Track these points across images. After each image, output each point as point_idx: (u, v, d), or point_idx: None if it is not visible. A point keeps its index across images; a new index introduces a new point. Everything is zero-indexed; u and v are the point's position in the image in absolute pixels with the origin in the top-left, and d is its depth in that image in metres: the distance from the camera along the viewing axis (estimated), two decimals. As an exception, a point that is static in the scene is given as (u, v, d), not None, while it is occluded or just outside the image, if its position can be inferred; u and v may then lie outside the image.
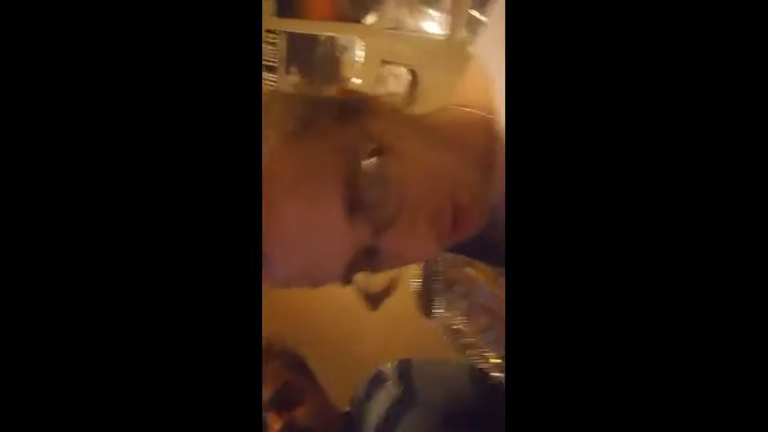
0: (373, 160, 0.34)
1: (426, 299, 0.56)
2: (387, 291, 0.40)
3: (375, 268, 0.38)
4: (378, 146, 0.35)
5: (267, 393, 0.81)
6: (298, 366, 0.92)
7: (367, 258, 0.36)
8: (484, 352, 0.55)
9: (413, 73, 1.38)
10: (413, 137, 0.39)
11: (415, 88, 1.36)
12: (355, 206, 0.34)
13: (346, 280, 0.37)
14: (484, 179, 0.41)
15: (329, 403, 0.90)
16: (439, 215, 0.36)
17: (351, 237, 0.34)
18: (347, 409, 0.91)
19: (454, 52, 1.26)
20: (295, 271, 0.36)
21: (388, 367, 0.89)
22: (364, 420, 0.85)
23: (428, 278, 0.55)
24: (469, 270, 0.52)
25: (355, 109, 0.38)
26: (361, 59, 1.52)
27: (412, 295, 0.59)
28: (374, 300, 0.40)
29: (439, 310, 0.56)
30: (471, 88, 0.46)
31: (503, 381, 0.62)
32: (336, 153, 0.34)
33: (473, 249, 0.49)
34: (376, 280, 0.39)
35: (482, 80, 0.44)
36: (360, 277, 0.38)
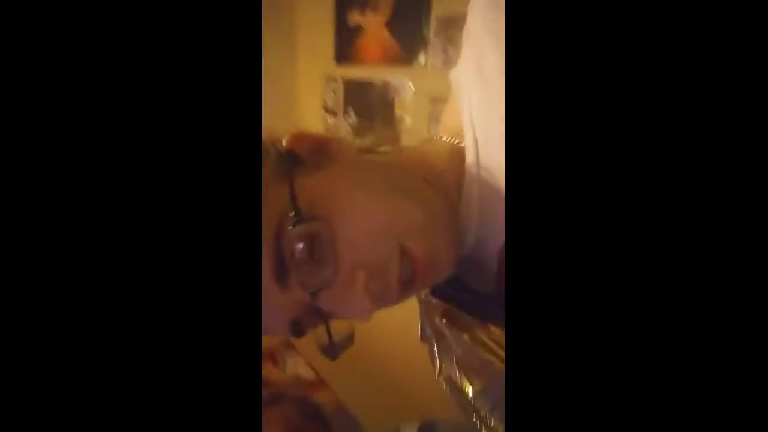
0: (298, 228, 0.34)
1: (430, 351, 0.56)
2: (346, 342, 0.39)
3: (326, 321, 0.37)
4: (305, 212, 0.34)
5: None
6: (312, 414, 0.93)
7: (313, 313, 0.36)
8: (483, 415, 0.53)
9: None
10: (358, 188, 0.37)
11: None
12: (282, 271, 0.34)
13: (298, 333, 0.37)
14: (447, 220, 0.39)
15: None
16: (383, 271, 0.35)
17: (286, 298, 0.34)
18: None
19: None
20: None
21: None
22: None
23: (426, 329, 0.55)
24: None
25: (293, 162, 0.37)
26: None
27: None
28: (331, 352, 0.39)
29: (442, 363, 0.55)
30: (449, 114, 0.45)
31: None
32: (267, 215, 0.34)
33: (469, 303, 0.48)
34: (336, 330, 0.38)
35: (456, 104, 0.42)
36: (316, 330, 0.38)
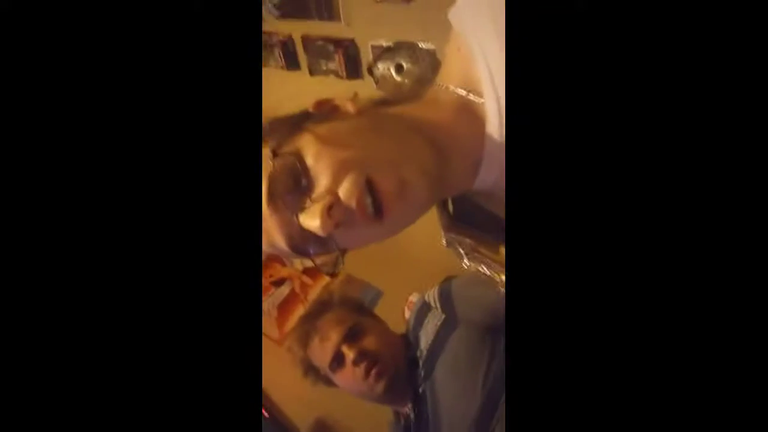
0: (280, 159, 0.42)
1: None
2: (335, 262, 0.48)
3: (323, 244, 0.45)
4: (288, 150, 0.43)
5: (340, 332, 0.97)
6: (359, 308, 1.06)
7: (306, 236, 0.44)
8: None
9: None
10: (341, 128, 0.45)
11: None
12: (272, 196, 0.43)
13: (294, 249, 0.45)
14: (424, 162, 0.45)
15: (389, 330, 1.04)
16: (349, 197, 0.42)
17: (277, 218, 0.43)
18: (403, 332, 1.04)
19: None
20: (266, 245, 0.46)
21: (431, 295, 1.00)
22: (418, 343, 0.98)
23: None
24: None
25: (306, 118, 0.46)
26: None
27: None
28: (329, 271, 0.49)
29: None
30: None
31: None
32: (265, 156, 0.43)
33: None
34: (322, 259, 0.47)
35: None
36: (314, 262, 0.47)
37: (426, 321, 0.99)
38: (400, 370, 0.96)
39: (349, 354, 0.95)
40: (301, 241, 0.44)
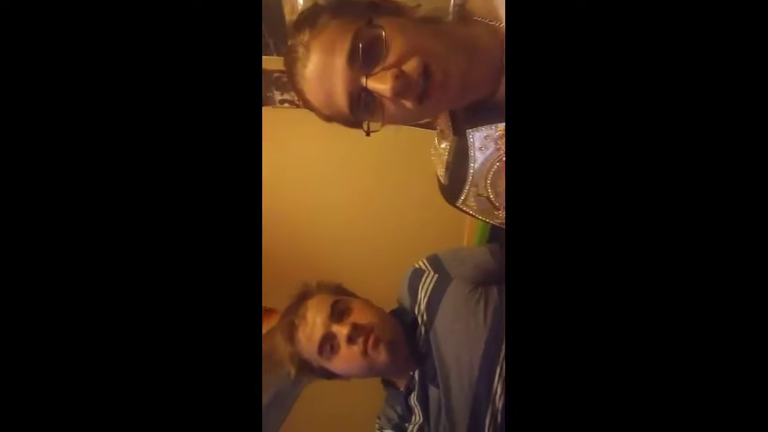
0: (370, 29, 0.54)
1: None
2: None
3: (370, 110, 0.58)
4: (375, 22, 0.55)
5: (325, 313, 0.92)
6: (340, 289, 1.03)
7: (364, 97, 0.56)
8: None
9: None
10: (410, 22, 0.59)
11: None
12: (355, 54, 0.54)
13: (355, 116, 0.58)
14: (462, 64, 0.58)
15: (375, 305, 1.00)
16: (411, 73, 0.54)
17: (350, 76, 0.55)
18: (395, 306, 1.01)
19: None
20: (318, 106, 0.59)
21: (421, 263, 0.98)
22: (414, 305, 0.95)
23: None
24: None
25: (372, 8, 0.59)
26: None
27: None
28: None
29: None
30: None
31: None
32: (347, 24, 0.56)
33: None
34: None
35: None
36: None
37: (420, 284, 0.97)
38: (398, 336, 0.93)
39: (342, 331, 0.89)
40: (358, 102, 0.56)
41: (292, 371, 0.98)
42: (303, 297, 0.99)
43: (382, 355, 0.89)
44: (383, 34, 0.54)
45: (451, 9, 0.67)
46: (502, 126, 0.64)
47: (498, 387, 0.84)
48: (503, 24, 0.61)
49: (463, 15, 0.66)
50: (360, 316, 0.92)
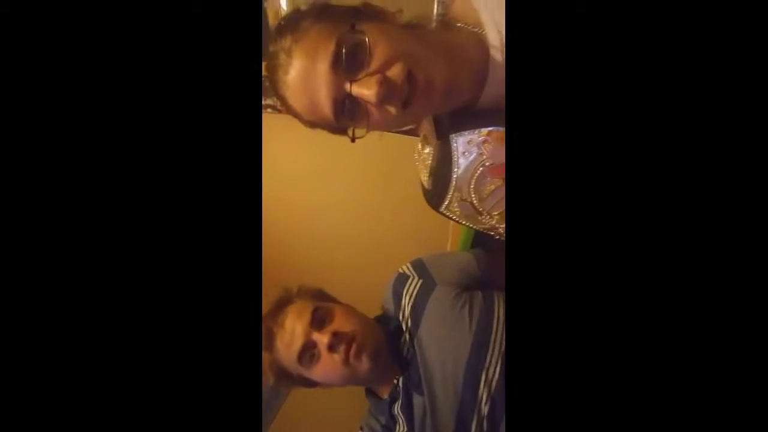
0: (352, 34, 0.54)
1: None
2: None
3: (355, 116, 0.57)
4: (358, 27, 0.54)
5: (305, 320, 0.90)
6: (321, 295, 1.01)
7: (348, 103, 0.55)
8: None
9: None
10: (392, 29, 0.59)
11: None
12: (338, 61, 0.54)
13: (337, 112, 0.56)
14: (445, 68, 0.58)
15: (358, 311, 0.99)
16: (394, 77, 0.55)
17: (334, 81, 0.54)
18: (379, 312, 1.00)
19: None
20: (302, 112, 0.58)
21: (405, 268, 0.98)
22: (398, 311, 0.94)
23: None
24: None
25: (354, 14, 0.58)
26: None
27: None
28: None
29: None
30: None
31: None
32: (330, 30, 0.55)
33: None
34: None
35: None
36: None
37: (404, 289, 0.97)
38: (381, 344, 0.92)
39: (323, 339, 0.88)
40: (343, 108, 0.56)
41: (271, 379, 0.96)
42: (283, 303, 0.98)
43: (364, 364, 0.87)
44: (366, 39, 0.54)
45: (434, 16, 0.67)
46: (485, 131, 0.64)
47: (484, 393, 0.84)
48: (485, 31, 0.62)
49: (446, 21, 0.66)
50: (342, 323, 0.91)
